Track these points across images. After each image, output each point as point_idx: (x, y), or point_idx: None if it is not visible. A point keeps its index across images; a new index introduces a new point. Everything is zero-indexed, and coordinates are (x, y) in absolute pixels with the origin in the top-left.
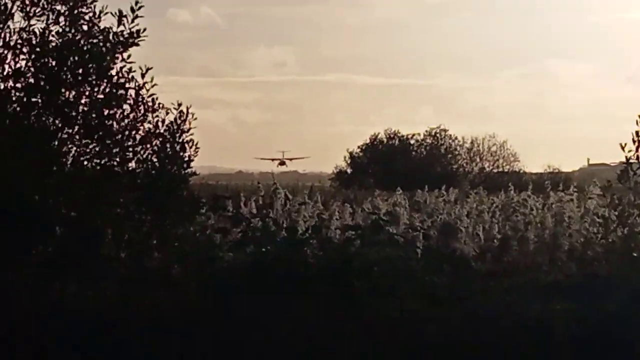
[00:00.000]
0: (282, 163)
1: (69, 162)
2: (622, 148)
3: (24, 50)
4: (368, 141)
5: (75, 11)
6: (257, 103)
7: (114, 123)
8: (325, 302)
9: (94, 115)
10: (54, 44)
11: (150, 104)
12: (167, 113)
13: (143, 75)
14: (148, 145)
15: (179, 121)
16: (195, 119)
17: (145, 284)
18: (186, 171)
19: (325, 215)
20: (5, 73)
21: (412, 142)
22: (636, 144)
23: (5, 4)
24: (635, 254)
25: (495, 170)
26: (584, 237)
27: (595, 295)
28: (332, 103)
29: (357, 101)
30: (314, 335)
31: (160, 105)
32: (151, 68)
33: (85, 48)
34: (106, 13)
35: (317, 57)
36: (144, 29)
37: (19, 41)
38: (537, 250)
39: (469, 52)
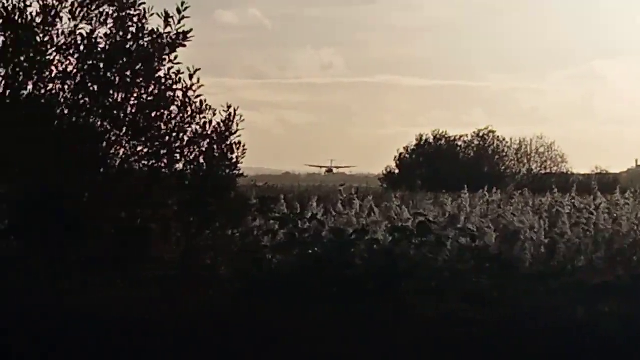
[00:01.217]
0: (329, 171)
1: (117, 164)
2: None
3: (72, 52)
4: (415, 142)
5: (123, 13)
6: (304, 105)
7: (162, 125)
8: (371, 303)
9: (141, 117)
10: (101, 46)
11: (197, 105)
12: (214, 114)
13: (191, 77)
14: (196, 147)
15: (227, 123)
16: (243, 120)
17: (192, 285)
18: (234, 172)
19: (372, 216)
20: (53, 75)
21: (459, 143)
22: None
23: (53, 5)
24: None
25: (542, 172)
26: (632, 238)
27: None
28: (379, 105)
29: (405, 103)
30: (360, 336)
31: (208, 107)
32: (199, 69)
33: (132, 50)
34: (152, 14)
35: (364, 59)
36: (191, 30)
37: (67, 43)
38: (584, 251)
39: (519, 53)
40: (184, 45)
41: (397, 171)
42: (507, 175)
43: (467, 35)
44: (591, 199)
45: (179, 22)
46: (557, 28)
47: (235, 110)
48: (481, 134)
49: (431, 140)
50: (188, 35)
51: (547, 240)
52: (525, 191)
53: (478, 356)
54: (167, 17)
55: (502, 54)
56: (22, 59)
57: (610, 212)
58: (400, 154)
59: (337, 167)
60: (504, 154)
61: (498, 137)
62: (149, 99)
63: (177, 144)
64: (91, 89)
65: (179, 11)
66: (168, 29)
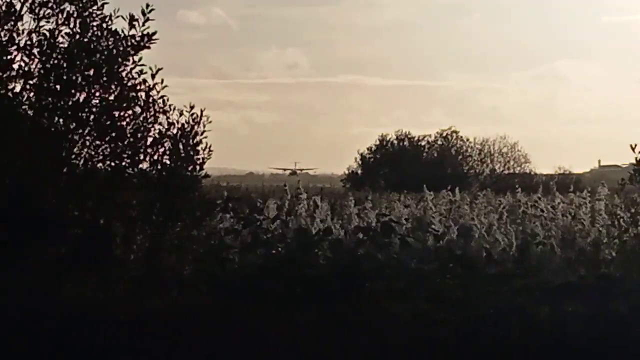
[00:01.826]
0: (293, 173)
1: (80, 164)
2: (633, 149)
3: (34, 51)
4: (377, 142)
5: (85, 12)
6: (269, 105)
7: (125, 124)
8: (335, 303)
9: (105, 117)
10: (64, 45)
11: (161, 105)
12: (181, 115)
13: (153, 77)
14: (160, 147)
15: (191, 123)
16: (210, 122)
17: (156, 286)
18: (199, 173)
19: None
20: (15, 74)
21: (422, 143)
22: None
23: (14, 4)
24: None
25: (505, 172)
26: (594, 238)
27: (607, 297)
28: (343, 104)
29: (368, 103)
30: (323, 338)
31: (172, 107)
32: (161, 69)
33: (95, 49)
34: (117, 17)
35: (329, 59)
36: (155, 32)
37: (29, 42)
38: (546, 252)
39: (480, 53)
40: (149, 47)
41: (359, 171)
42: (471, 175)
43: (429, 35)
44: (550, 198)
45: (144, 24)
46: (519, 28)
47: (202, 111)
48: (444, 134)
49: (394, 141)
50: (153, 37)
51: (509, 240)
52: (487, 191)
53: (444, 356)
54: (131, 19)
55: (464, 54)
56: None
57: (570, 212)
58: (362, 154)
59: (301, 170)
60: (467, 154)
61: (461, 137)
62: (111, 98)
63: (140, 144)
64: (53, 88)
65: (143, 13)
66: (132, 31)
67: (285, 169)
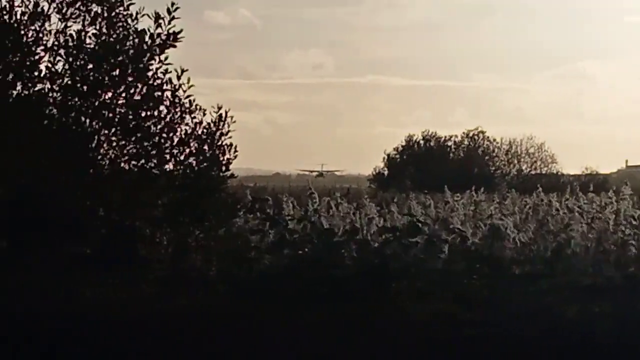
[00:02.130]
0: (320, 175)
1: (106, 164)
2: None
3: (61, 52)
4: (404, 143)
5: (112, 13)
6: (293, 105)
7: (151, 124)
8: (362, 303)
9: (131, 117)
10: (90, 45)
11: (187, 105)
12: (205, 114)
13: (179, 77)
14: (186, 147)
15: (217, 123)
16: (234, 122)
17: (182, 286)
18: (225, 173)
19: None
20: (42, 75)
21: (449, 143)
22: None
23: (42, 5)
24: None
25: (532, 172)
26: (620, 239)
27: (635, 296)
28: (367, 105)
29: (392, 103)
30: (349, 337)
31: (197, 107)
32: (187, 70)
33: (122, 49)
34: (143, 15)
35: (352, 59)
36: (181, 30)
37: (56, 43)
38: (573, 252)
39: (504, 54)
40: (174, 46)
41: (386, 172)
42: (497, 175)
43: (452, 35)
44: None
45: (169, 22)
46: (543, 28)
47: (226, 112)
48: (471, 135)
49: (420, 141)
50: (178, 36)
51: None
52: (512, 192)
53: (470, 357)
54: (157, 17)
55: (487, 54)
56: (10, 58)
57: (594, 213)
58: (389, 154)
59: (327, 171)
60: (494, 154)
61: (488, 137)
62: (137, 98)
63: (167, 144)
64: (80, 88)
65: (169, 12)
66: (158, 30)
67: (312, 171)
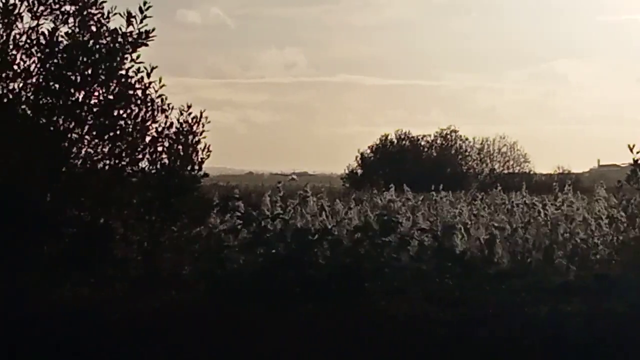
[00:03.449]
0: (293, 179)
1: (79, 163)
2: (631, 149)
3: (33, 50)
4: (378, 142)
5: (85, 12)
6: (267, 104)
7: (124, 123)
8: (335, 302)
9: (104, 116)
10: (63, 44)
11: (159, 104)
12: (182, 114)
13: (149, 75)
14: (158, 146)
15: (190, 123)
16: (209, 122)
17: (155, 285)
18: (197, 172)
19: (334, 216)
20: (14, 74)
21: (422, 143)
22: None
23: (14, 4)
24: None
25: (505, 172)
26: (589, 238)
27: (606, 296)
28: (341, 104)
29: (366, 102)
30: (323, 337)
31: (170, 106)
32: (156, 67)
33: (94, 48)
34: (115, 14)
35: (326, 58)
36: (153, 29)
37: (28, 41)
38: (543, 251)
39: (478, 53)
40: (146, 44)
41: (359, 171)
42: (470, 175)
43: (426, 35)
44: (552, 198)
45: (141, 21)
46: (516, 27)
47: (202, 112)
48: (444, 134)
49: (394, 140)
50: (150, 35)
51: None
52: (494, 191)
53: (442, 356)
54: (129, 16)
55: (461, 54)
56: None
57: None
58: (362, 153)
59: (299, 173)
60: (467, 153)
61: (460, 136)
62: (110, 97)
63: (139, 143)
64: (53, 87)
65: (141, 10)
66: (130, 28)
67: (285, 175)
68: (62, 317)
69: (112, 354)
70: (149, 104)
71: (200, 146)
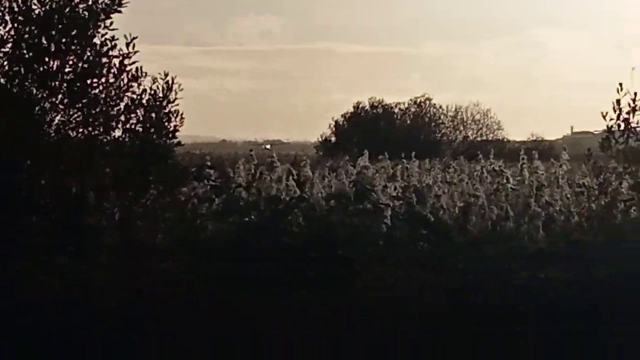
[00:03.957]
0: (267, 149)
1: (52, 131)
2: (604, 117)
3: (6, 18)
4: (352, 110)
5: None
6: (246, 72)
7: (98, 92)
8: (310, 271)
9: (77, 84)
10: (36, 11)
11: (134, 72)
12: (154, 82)
13: (127, 45)
14: (133, 115)
15: (165, 91)
16: (182, 89)
17: (130, 253)
18: (171, 141)
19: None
20: None
21: (395, 110)
22: (617, 112)
23: None
24: (614, 220)
25: (478, 139)
26: (562, 205)
27: (581, 262)
28: (321, 72)
29: (345, 70)
30: (301, 306)
31: (145, 74)
32: (136, 37)
33: (67, 15)
34: None
35: (305, 26)
36: None
37: (1, 9)
38: (514, 218)
39: (457, 20)
40: (119, 11)
41: (333, 138)
42: (444, 142)
43: (403, 2)
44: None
45: None
46: None
47: (173, 79)
48: (418, 102)
49: (367, 108)
50: (123, 1)
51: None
52: (460, 159)
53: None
54: None
55: (440, 21)
56: None
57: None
58: (337, 121)
59: (273, 141)
60: (440, 121)
61: (434, 104)
62: (84, 66)
63: (113, 112)
64: (27, 56)
65: None
66: None
67: (259, 143)
68: (54, 305)
69: (85, 322)
70: (125, 73)
71: (174, 114)
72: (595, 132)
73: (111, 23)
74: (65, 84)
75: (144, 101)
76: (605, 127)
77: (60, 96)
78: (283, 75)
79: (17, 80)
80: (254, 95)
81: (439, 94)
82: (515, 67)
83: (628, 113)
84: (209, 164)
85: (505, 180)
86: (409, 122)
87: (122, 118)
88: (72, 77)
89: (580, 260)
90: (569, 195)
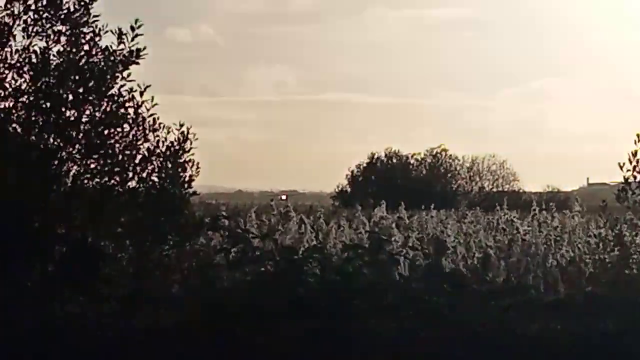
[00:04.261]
0: (283, 200)
1: (69, 182)
2: (621, 167)
3: (25, 69)
4: (367, 160)
5: (76, 30)
6: (257, 122)
7: (114, 142)
8: (325, 321)
9: (94, 134)
10: (55, 63)
11: (150, 123)
12: (169, 132)
13: (142, 94)
14: (149, 165)
15: (180, 141)
16: (197, 139)
17: (144, 304)
18: (187, 191)
19: (324, 234)
20: (6, 93)
21: (411, 161)
22: (633, 163)
23: (8, 23)
24: (629, 272)
25: (494, 190)
26: (577, 256)
27: (595, 314)
28: (331, 122)
29: (356, 120)
30: (313, 356)
31: (161, 125)
32: (149, 86)
33: (85, 67)
34: (106, 32)
35: (316, 76)
36: (144, 47)
37: (20, 60)
38: (530, 269)
39: (468, 72)
40: (137, 63)
41: (348, 189)
42: (460, 193)
43: (416, 54)
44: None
45: (133, 39)
46: (507, 47)
47: (188, 129)
48: (434, 152)
49: (383, 158)
50: (141, 53)
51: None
52: (476, 209)
53: None
54: (120, 34)
55: (451, 73)
56: None
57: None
58: (352, 171)
59: (289, 192)
60: (456, 172)
61: (450, 155)
62: (101, 116)
63: (129, 162)
64: (44, 106)
65: (132, 29)
66: (121, 47)
67: (274, 193)
68: (51, 335)
69: None
70: (141, 123)
71: (190, 164)
72: (611, 184)
73: (129, 74)
74: (82, 134)
75: (159, 151)
76: (622, 179)
77: (77, 146)
78: (297, 125)
79: (34, 131)
80: (269, 146)
81: (451, 146)
82: (527, 117)
83: None
84: (224, 213)
85: (516, 231)
86: (424, 172)
87: (138, 168)
88: (89, 127)
89: (592, 312)
90: (580, 246)
